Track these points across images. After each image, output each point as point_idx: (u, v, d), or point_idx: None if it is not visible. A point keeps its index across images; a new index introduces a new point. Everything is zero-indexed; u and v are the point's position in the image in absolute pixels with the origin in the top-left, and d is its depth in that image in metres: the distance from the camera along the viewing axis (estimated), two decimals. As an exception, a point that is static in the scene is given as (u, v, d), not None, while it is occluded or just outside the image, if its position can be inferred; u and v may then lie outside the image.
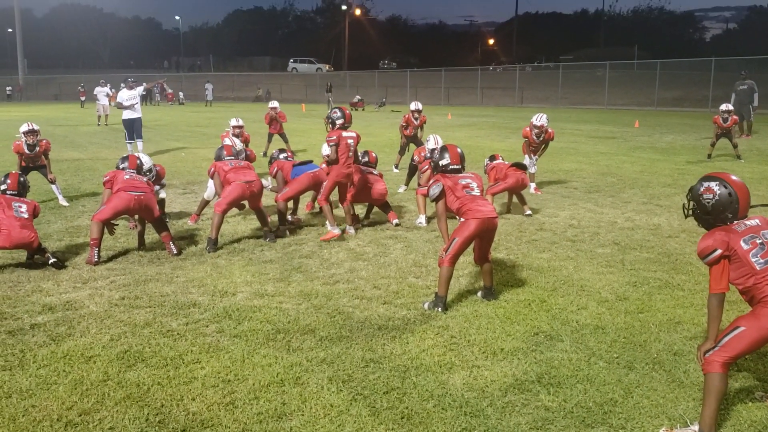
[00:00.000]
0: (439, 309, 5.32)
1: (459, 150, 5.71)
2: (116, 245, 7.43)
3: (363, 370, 4.25)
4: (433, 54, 79.32)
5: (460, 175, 5.60)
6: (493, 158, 9.50)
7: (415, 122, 13.68)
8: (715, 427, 3.44)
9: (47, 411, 3.72)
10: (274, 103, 16.59)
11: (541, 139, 10.81)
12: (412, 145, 13.57)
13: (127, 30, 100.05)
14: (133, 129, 15.77)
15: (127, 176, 7.06)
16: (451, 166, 5.62)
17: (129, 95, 15.72)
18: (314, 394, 3.94)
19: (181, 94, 52.21)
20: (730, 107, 15.07)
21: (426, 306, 5.41)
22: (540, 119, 10.68)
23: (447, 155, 5.66)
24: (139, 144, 15.79)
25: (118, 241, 7.60)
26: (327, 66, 73.70)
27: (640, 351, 4.58)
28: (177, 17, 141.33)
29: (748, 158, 15.23)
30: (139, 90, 15.95)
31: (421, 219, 8.59)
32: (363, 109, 40.85)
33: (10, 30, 69.88)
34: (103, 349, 4.59)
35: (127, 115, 15.79)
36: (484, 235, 5.45)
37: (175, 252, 7.04)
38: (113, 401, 3.84)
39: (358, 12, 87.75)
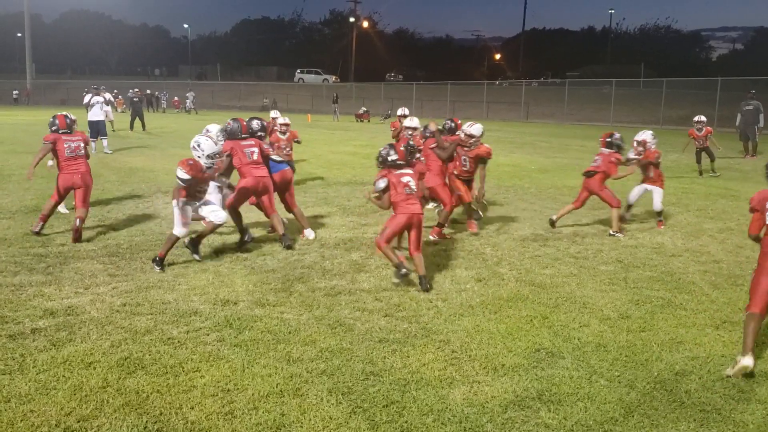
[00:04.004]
0: (404, 271, 6.21)
1: (403, 148, 6.70)
2: (119, 251, 7.44)
3: (363, 383, 4.24)
4: (440, 67, 79.72)
5: (403, 171, 6.53)
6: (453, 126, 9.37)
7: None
8: None
9: (46, 416, 3.72)
10: (276, 113, 16.81)
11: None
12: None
13: (135, 37, 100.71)
14: (97, 129, 18.48)
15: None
16: (397, 162, 6.53)
17: (94, 99, 18.56)
18: (314, 405, 3.93)
19: (187, 101, 52.41)
20: (703, 118, 15.70)
21: (394, 279, 6.33)
22: (474, 127, 10.13)
23: (393, 152, 6.59)
24: (104, 141, 18.59)
25: (120, 248, 7.61)
26: (333, 77, 73.99)
27: (642, 370, 4.56)
28: (185, 25, 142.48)
29: (753, 179, 15.20)
30: (99, 99, 18.77)
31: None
32: (368, 121, 40.95)
33: (19, 35, 70.27)
34: (104, 355, 4.58)
35: (92, 116, 18.52)
36: (412, 229, 6.42)
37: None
38: (112, 408, 3.83)
39: (365, 24, 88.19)
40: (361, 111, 42.87)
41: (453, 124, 9.34)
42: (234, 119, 8.13)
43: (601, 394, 4.17)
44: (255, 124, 8.17)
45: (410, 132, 11.77)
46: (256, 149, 7.93)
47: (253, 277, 6.57)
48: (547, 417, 3.86)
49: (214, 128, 8.33)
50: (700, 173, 15.54)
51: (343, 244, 8.02)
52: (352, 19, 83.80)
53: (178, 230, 6.88)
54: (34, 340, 4.82)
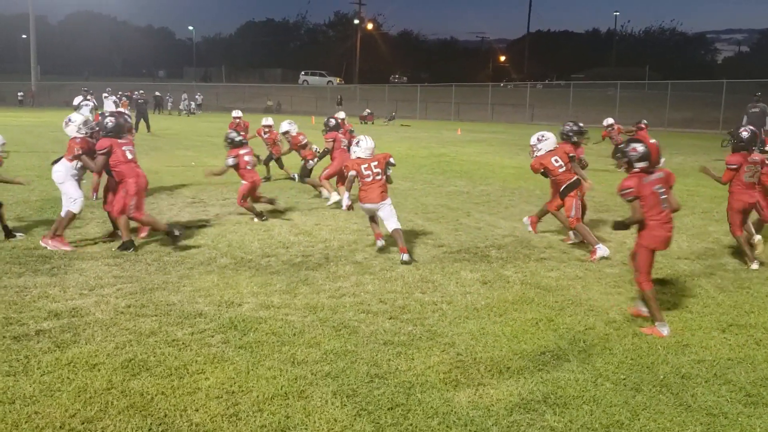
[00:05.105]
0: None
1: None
2: (124, 253, 7.43)
3: (368, 385, 4.22)
4: (444, 69, 79.70)
5: (245, 150, 9.08)
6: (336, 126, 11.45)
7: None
8: None
9: (50, 418, 3.71)
10: (238, 113, 18.13)
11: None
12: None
13: (140, 39, 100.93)
14: None
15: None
16: (243, 141, 9.27)
17: (81, 100, 18.96)
18: (318, 408, 3.91)
19: (192, 103, 52.48)
20: (610, 121, 17.87)
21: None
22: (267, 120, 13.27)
23: (236, 133, 9.27)
24: None
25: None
26: (338, 79, 74.03)
27: (647, 373, 4.54)
28: (190, 27, 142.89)
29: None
30: (88, 104, 19.07)
31: (332, 197, 10.74)
32: (372, 123, 40.95)
33: (24, 36, 70.41)
34: (108, 357, 4.58)
35: None
36: (255, 190, 9.23)
37: None
38: (116, 410, 3.82)
39: (370, 26, 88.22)
40: (365, 113, 42.86)
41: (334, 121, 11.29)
42: (119, 114, 7.90)
43: (606, 397, 4.15)
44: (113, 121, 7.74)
45: (266, 130, 13.91)
46: (132, 147, 7.81)
47: (257, 279, 6.56)
48: (553, 420, 3.85)
49: (78, 118, 7.79)
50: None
51: (347, 246, 8.01)
52: (356, 21, 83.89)
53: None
54: (38, 342, 4.82)
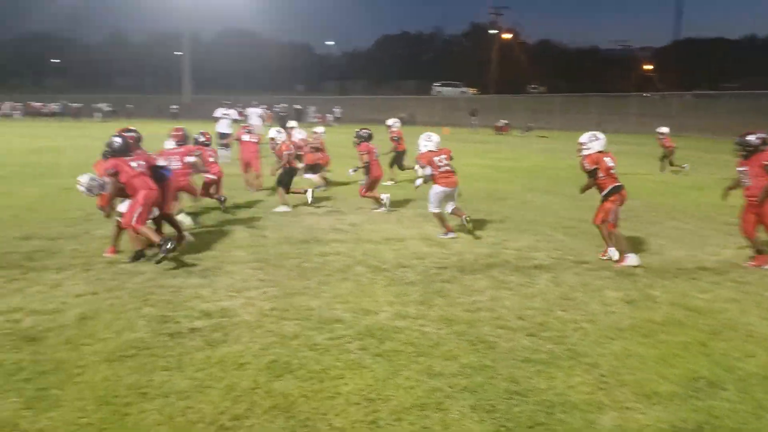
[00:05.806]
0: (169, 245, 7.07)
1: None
2: (267, 257, 7.75)
3: (507, 402, 4.13)
4: (584, 79, 77.45)
5: (131, 157, 7.64)
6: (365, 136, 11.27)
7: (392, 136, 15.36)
8: None
9: (202, 413, 3.91)
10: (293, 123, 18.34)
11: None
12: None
13: (283, 54, 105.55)
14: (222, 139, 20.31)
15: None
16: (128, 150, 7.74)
17: (221, 112, 21.21)
18: (456, 421, 3.87)
19: (329, 116, 54.15)
20: (665, 130, 18.50)
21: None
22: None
23: (120, 139, 7.74)
24: (222, 151, 18.97)
25: (269, 254, 7.92)
26: (472, 90, 73.81)
27: (818, 409, 4.13)
28: (330, 42, 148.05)
29: None
30: (228, 115, 21.28)
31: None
32: (508, 134, 40.42)
33: (178, 53, 75.37)
34: (254, 357, 4.77)
35: (219, 129, 20.84)
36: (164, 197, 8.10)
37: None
38: (262, 409, 3.97)
39: (507, 36, 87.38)
40: (500, 123, 42.35)
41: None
42: (125, 133, 7.85)
43: (770, 432, 3.82)
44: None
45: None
46: (141, 161, 7.67)
47: (393, 289, 6.62)
48: (708, 453, 3.58)
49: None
50: (662, 169, 18.48)
51: (482, 260, 7.90)
52: (493, 31, 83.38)
53: None
54: (191, 340, 5.10)
